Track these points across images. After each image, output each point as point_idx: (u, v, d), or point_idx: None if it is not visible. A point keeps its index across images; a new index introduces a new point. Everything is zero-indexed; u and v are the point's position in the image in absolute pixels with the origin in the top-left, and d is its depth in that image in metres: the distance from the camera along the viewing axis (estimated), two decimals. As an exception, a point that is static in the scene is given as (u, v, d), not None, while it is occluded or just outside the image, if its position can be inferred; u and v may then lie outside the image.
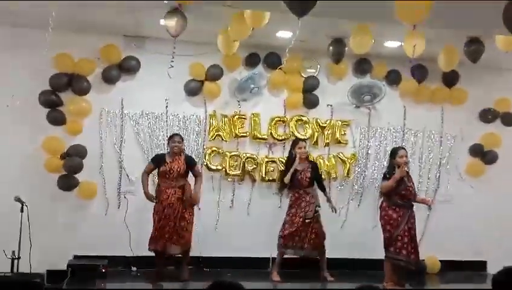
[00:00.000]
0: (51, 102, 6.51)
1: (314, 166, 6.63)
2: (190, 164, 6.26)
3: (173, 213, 6.05)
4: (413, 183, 6.30)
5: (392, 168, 6.16)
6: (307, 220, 6.33)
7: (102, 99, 6.76)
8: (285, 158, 6.77)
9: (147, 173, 6.29)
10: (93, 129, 6.73)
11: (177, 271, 6.32)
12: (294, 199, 6.47)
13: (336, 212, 6.63)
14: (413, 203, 6.26)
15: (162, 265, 6.27)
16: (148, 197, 6.21)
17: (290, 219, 6.42)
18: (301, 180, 6.43)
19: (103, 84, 6.78)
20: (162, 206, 6.07)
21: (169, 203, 6.05)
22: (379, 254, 6.34)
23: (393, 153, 6.27)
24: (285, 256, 6.55)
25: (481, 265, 7.63)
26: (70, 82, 6.54)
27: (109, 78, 6.77)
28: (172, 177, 6.11)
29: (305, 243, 6.36)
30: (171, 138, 6.28)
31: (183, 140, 6.33)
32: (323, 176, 7.05)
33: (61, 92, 6.56)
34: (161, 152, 6.56)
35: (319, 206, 6.45)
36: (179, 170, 6.11)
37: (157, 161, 6.24)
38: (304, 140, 6.87)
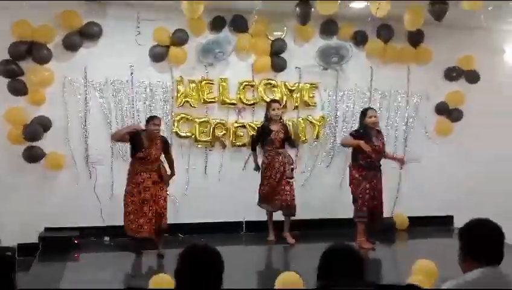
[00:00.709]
0: (11, 72, 6.30)
1: (285, 128, 6.77)
2: (166, 146, 6.15)
3: (151, 197, 5.91)
4: (382, 143, 6.47)
5: (363, 129, 6.35)
6: (290, 180, 6.55)
7: (64, 68, 6.56)
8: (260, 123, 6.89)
9: (120, 134, 6.02)
10: (57, 99, 6.56)
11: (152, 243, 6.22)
12: (268, 161, 6.59)
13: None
14: (380, 164, 6.42)
15: (140, 245, 6.12)
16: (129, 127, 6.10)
17: (265, 180, 6.59)
18: (274, 140, 6.57)
19: (65, 52, 6.57)
20: (137, 189, 5.92)
21: (145, 187, 5.91)
22: (348, 213, 6.51)
23: (363, 113, 6.47)
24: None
25: (448, 220, 7.87)
26: (30, 50, 6.32)
27: (71, 45, 6.56)
28: (149, 162, 5.97)
29: (279, 202, 6.54)
30: (150, 119, 6.01)
31: (161, 122, 6.13)
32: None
33: (21, 61, 6.34)
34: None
35: (293, 166, 6.67)
36: (156, 155, 6.01)
37: (135, 139, 5.96)
38: (278, 101, 6.89)
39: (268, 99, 7.06)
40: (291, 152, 6.89)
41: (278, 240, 6.69)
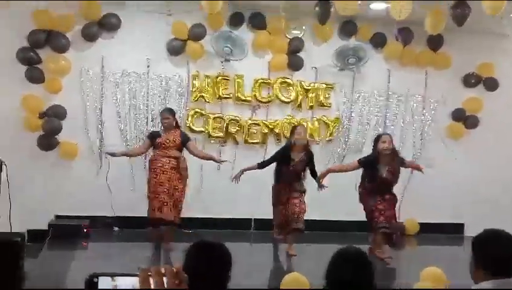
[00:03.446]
0: (29, 59, 6.35)
1: (309, 156, 6.02)
2: (185, 140, 6.17)
3: (167, 181, 5.96)
4: (393, 172, 5.93)
5: (374, 156, 5.91)
6: (295, 194, 5.93)
7: (82, 58, 6.61)
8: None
9: (140, 148, 6.33)
10: (73, 88, 6.60)
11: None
12: (277, 192, 6.09)
13: (322, 189, 6.11)
14: (388, 190, 6.01)
15: (158, 226, 6.15)
16: (114, 153, 6.23)
17: (277, 210, 6.10)
18: (289, 172, 5.91)
19: (83, 41, 6.61)
20: (155, 173, 5.99)
21: (163, 171, 5.98)
22: (360, 216, 6.43)
23: (376, 139, 6.01)
24: None
25: (459, 228, 7.79)
26: (48, 39, 6.36)
27: (89, 35, 6.60)
28: (168, 147, 6.03)
29: (287, 213, 5.99)
30: (160, 114, 6.23)
31: (173, 114, 6.19)
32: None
33: (39, 49, 6.38)
34: (156, 130, 6.46)
35: (304, 187, 6.05)
36: (174, 140, 6.05)
37: (153, 136, 6.17)
38: (303, 125, 6.49)
39: (285, 98, 6.98)
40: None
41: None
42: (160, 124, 6.39)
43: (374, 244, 6.02)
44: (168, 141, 6.03)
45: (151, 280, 1.13)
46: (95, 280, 1.20)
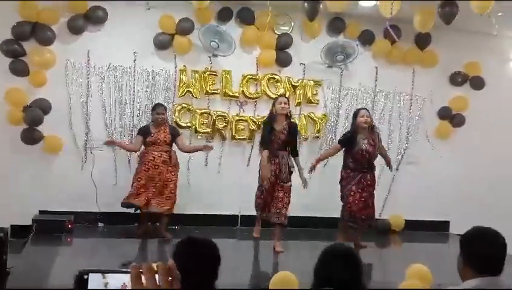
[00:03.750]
0: (14, 51, 6.24)
1: (292, 128, 6.02)
2: (174, 134, 6.26)
3: (158, 175, 6.07)
4: (373, 145, 6.07)
5: (352, 132, 6.09)
6: (285, 184, 5.90)
7: (67, 51, 6.51)
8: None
9: (135, 145, 6.25)
10: (58, 81, 6.50)
11: (154, 228, 6.35)
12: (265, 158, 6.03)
13: (305, 187, 6.12)
14: (370, 166, 6.12)
15: (145, 222, 6.30)
16: (110, 142, 6.34)
17: (260, 184, 6.04)
18: (273, 142, 5.89)
19: (69, 34, 6.51)
20: (145, 166, 6.07)
21: (155, 165, 6.06)
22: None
23: (355, 114, 6.19)
24: None
25: (444, 225, 7.84)
26: (33, 31, 6.25)
27: (75, 28, 6.50)
28: (159, 144, 6.13)
29: (272, 207, 5.97)
30: (153, 109, 6.25)
31: (166, 110, 6.31)
32: None
33: (24, 41, 6.28)
34: (145, 124, 6.48)
35: (293, 167, 6.02)
36: (165, 139, 6.15)
37: (144, 131, 6.19)
38: (285, 96, 6.37)
39: (273, 95, 6.98)
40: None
41: (262, 236, 6.40)
42: (148, 119, 6.47)
43: (340, 231, 6.17)
44: (159, 140, 6.12)
45: (143, 277, 1.10)
46: (85, 276, 1.16)
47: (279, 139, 5.89)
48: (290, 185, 5.95)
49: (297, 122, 6.76)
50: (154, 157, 6.07)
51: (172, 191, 6.17)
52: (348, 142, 6.08)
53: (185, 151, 6.40)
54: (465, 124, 7.85)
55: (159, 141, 6.12)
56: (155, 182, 6.07)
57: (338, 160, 6.44)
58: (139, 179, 6.07)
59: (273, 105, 6.01)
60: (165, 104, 6.76)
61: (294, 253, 6.38)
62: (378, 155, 6.27)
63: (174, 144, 6.27)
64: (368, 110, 6.27)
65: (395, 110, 7.72)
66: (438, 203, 7.67)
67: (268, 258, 6.52)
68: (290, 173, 5.97)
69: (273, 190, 5.93)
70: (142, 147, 6.23)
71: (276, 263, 5.92)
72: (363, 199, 6.03)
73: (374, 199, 6.20)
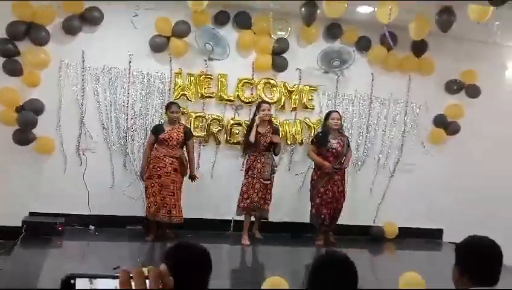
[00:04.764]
0: (7, 51, 6.18)
1: (275, 131, 6.56)
2: (188, 136, 6.28)
3: (171, 183, 6.08)
4: (342, 145, 6.60)
5: (325, 134, 6.60)
6: (265, 182, 6.42)
7: (62, 51, 6.45)
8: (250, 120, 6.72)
9: (149, 146, 6.23)
10: (52, 82, 6.43)
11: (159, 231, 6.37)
12: (251, 162, 6.49)
13: (271, 182, 6.53)
14: (340, 166, 6.62)
15: (155, 228, 6.31)
16: (142, 174, 6.24)
17: (247, 182, 6.46)
18: (258, 144, 6.40)
19: (63, 35, 6.46)
20: (157, 173, 6.04)
21: (167, 173, 6.05)
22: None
23: (327, 115, 6.71)
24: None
25: (438, 233, 7.82)
26: (28, 31, 6.20)
27: (70, 29, 6.45)
28: (171, 145, 6.11)
29: (260, 205, 6.45)
30: (168, 106, 6.25)
31: (180, 109, 6.32)
32: (288, 141, 7.21)
33: (18, 41, 6.22)
34: (159, 123, 6.52)
35: (276, 167, 6.62)
36: (178, 138, 6.14)
37: (157, 130, 6.19)
38: (268, 102, 6.75)
39: (268, 99, 6.99)
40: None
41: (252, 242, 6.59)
42: (143, 121, 6.52)
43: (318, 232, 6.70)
44: (171, 138, 6.10)
45: (133, 282, 1.05)
46: (72, 281, 1.11)
47: (264, 142, 6.42)
48: (271, 183, 6.51)
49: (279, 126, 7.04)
50: (165, 165, 6.05)
51: (180, 200, 6.21)
52: (320, 140, 6.60)
53: (188, 156, 6.35)
54: (460, 132, 7.85)
55: (171, 139, 6.09)
56: (169, 189, 6.07)
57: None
58: (152, 186, 6.06)
59: (257, 110, 6.49)
60: (160, 107, 6.74)
61: (288, 258, 6.33)
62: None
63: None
64: (338, 113, 6.73)
65: (390, 116, 7.70)
66: (432, 210, 7.65)
67: (261, 263, 6.50)
68: (273, 172, 6.53)
69: (259, 187, 6.42)
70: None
71: (269, 268, 5.89)
72: (329, 199, 6.55)
73: (342, 198, 6.69)
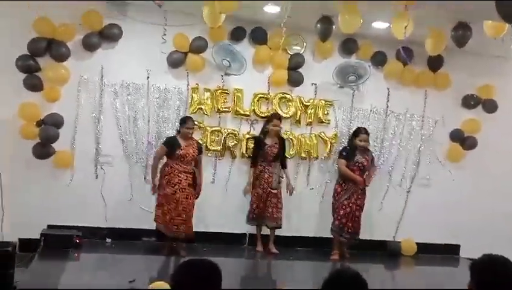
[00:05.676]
0: (29, 67, 6.31)
1: (282, 143, 6.79)
2: (200, 152, 6.35)
3: (185, 199, 6.10)
4: (367, 160, 6.79)
5: (352, 149, 6.77)
6: (273, 191, 6.62)
7: (81, 67, 6.57)
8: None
9: (159, 158, 6.27)
10: (71, 97, 6.55)
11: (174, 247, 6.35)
12: (259, 172, 6.68)
13: (291, 194, 6.85)
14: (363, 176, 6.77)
15: (170, 242, 6.31)
16: (154, 188, 6.20)
17: (256, 192, 6.65)
18: (266, 155, 6.64)
19: (83, 51, 6.59)
20: (173, 189, 6.06)
21: (182, 188, 6.08)
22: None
23: (355, 133, 6.87)
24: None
25: (455, 249, 7.74)
26: (49, 47, 6.34)
27: (89, 45, 6.58)
28: (187, 161, 6.14)
29: (269, 213, 6.60)
30: (183, 122, 6.24)
31: (195, 124, 6.40)
32: (303, 155, 7.28)
33: (39, 57, 6.36)
34: (171, 135, 6.48)
35: (282, 177, 6.77)
36: (193, 155, 6.19)
37: (171, 144, 6.18)
38: (279, 117, 6.87)
39: (284, 114, 7.08)
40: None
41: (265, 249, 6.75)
42: (160, 135, 6.63)
43: (334, 244, 6.76)
44: (187, 155, 6.13)
45: None
46: None
47: (272, 153, 6.67)
48: (280, 192, 6.71)
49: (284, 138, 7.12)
50: (180, 180, 6.08)
51: (192, 216, 6.23)
52: (349, 154, 6.74)
53: (195, 170, 6.35)
54: (477, 146, 7.79)
55: (187, 156, 6.12)
56: (183, 205, 6.08)
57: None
58: (168, 203, 6.05)
59: (267, 122, 6.75)
60: (176, 122, 6.80)
61: (304, 272, 6.32)
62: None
63: None
64: (367, 133, 6.83)
65: (406, 131, 7.68)
66: (449, 226, 7.57)
67: (274, 278, 6.50)
68: (280, 181, 6.73)
69: (266, 197, 6.61)
70: (165, 160, 6.22)
71: (283, 282, 5.90)
72: (351, 213, 6.64)
73: (360, 213, 6.74)
